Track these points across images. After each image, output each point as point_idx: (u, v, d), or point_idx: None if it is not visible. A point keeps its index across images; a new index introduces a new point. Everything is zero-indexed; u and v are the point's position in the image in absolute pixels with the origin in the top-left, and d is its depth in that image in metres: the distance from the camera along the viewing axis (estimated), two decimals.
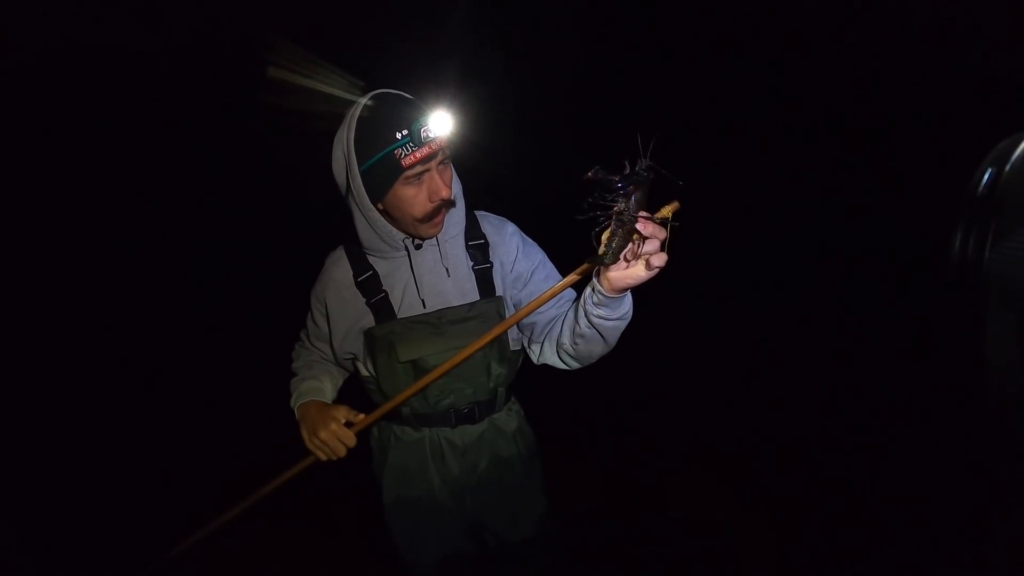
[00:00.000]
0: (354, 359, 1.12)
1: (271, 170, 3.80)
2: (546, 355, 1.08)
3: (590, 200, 0.74)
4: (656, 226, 0.74)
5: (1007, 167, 0.67)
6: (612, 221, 0.75)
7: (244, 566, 2.04)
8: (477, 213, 1.11)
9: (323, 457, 1.02)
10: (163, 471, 2.49)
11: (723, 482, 2.42)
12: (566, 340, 0.99)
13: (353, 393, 1.19)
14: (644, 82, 3.74)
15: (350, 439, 1.00)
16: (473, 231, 1.09)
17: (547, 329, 1.06)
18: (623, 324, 0.93)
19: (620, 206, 0.73)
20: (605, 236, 0.78)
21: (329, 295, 1.09)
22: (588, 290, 0.89)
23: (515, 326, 1.07)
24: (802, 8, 2.81)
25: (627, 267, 0.79)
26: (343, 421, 1.01)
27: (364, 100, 0.93)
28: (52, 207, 3.35)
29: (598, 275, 0.85)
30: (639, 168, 0.71)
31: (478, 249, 1.08)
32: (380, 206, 0.98)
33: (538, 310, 0.99)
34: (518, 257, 1.08)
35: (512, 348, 1.11)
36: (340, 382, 1.22)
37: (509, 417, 1.18)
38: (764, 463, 2.50)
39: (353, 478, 1.29)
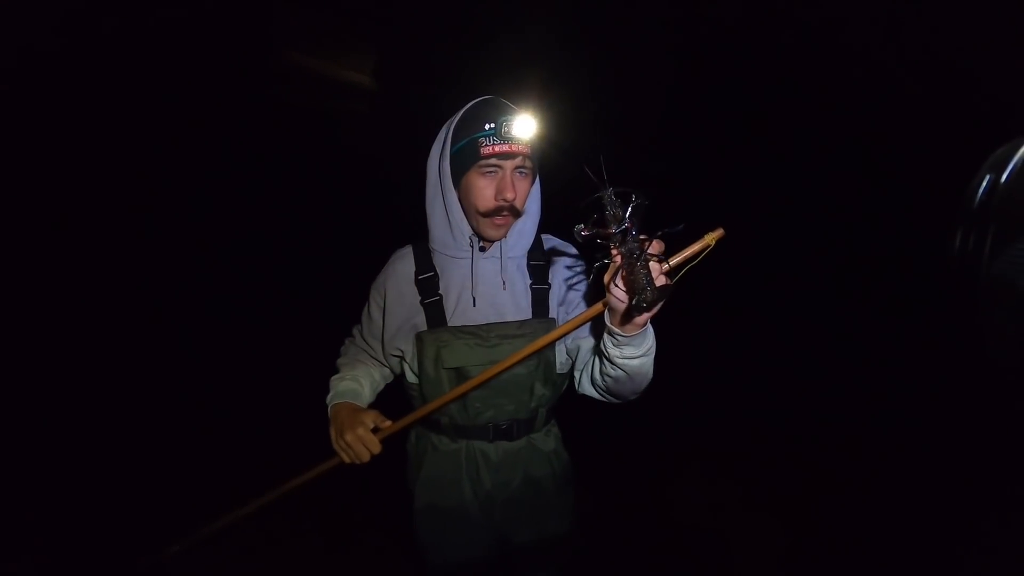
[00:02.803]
0: (401, 358, 1.12)
1: (353, 175, 3.89)
2: (584, 386, 1.08)
3: (596, 261, 0.76)
4: (659, 242, 0.74)
5: (1005, 173, 0.68)
6: (623, 266, 0.73)
7: (259, 563, 2.04)
8: (543, 236, 1.13)
9: (347, 460, 1.02)
10: (187, 466, 2.51)
11: (722, 486, 2.43)
12: (597, 376, 0.99)
13: (390, 401, 1.19)
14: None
15: (375, 445, 1.00)
16: (537, 252, 1.10)
17: (588, 360, 1.04)
18: (648, 360, 0.90)
19: (623, 248, 0.72)
20: (622, 279, 0.75)
21: (390, 286, 1.11)
22: (605, 335, 0.88)
23: (565, 351, 1.10)
24: (805, 13, 2.82)
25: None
26: (371, 426, 1.01)
27: (480, 98, 1.01)
28: (58, 207, 3.37)
29: (611, 318, 0.83)
30: (614, 204, 0.71)
31: (539, 270, 1.09)
32: (457, 192, 1.03)
33: (583, 337, 1.04)
34: (573, 281, 1.10)
35: (558, 371, 1.11)
36: (381, 387, 1.22)
37: (547, 438, 1.18)
38: (763, 466, 2.51)
39: (379, 483, 1.30)
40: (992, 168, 0.70)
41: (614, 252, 0.73)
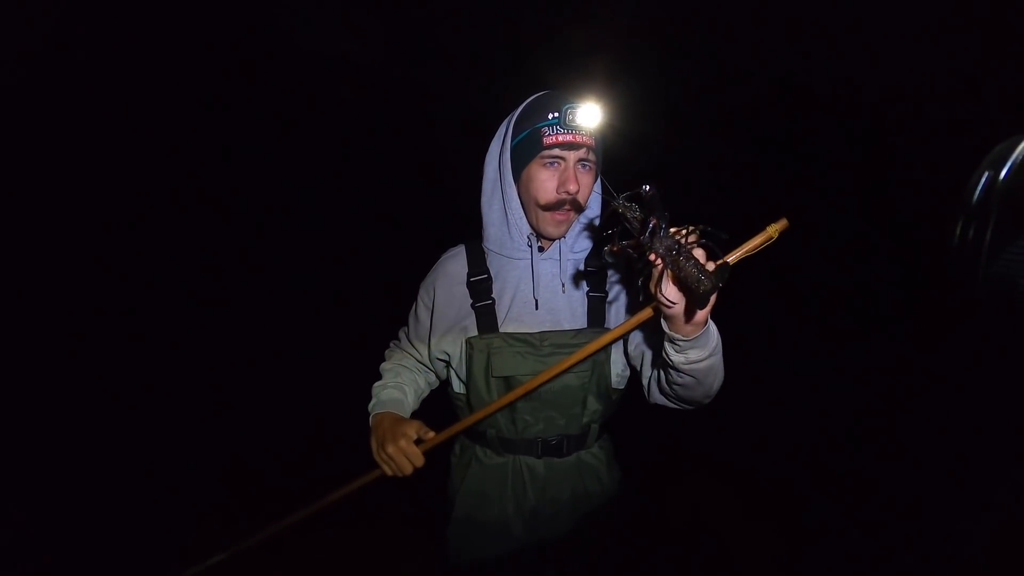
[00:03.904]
0: (447, 364, 1.09)
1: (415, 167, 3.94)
2: (655, 396, 1.01)
3: (637, 268, 0.71)
4: (694, 228, 0.70)
5: (1003, 170, 0.68)
6: (667, 266, 0.68)
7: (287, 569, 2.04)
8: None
9: (388, 472, 0.99)
10: (225, 474, 2.58)
11: (723, 490, 2.43)
12: (665, 386, 0.94)
13: (433, 411, 1.16)
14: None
15: (417, 458, 0.96)
16: (596, 258, 1.05)
17: (655, 369, 0.98)
18: (716, 360, 0.84)
19: (659, 248, 0.67)
20: (668, 283, 0.71)
21: (439, 287, 1.07)
22: (665, 343, 0.82)
23: (625, 363, 1.06)
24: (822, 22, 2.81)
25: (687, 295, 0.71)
26: (413, 438, 0.97)
27: (543, 92, 0.98)
28: (71, 206, 3.38)
29: (668, 324, 0.78)
30: (630, 210, 0.68)
31: (597, 277, 1.04)
32: (517, 187, 0.99)
33: (646, 345, 1.00)
34: (632, 289, 1.04)
35: (614, 386, 1.06)
36: (426, 394, 1.20)
37: (599, 454, 1.13)
38: (766, 468, 2.50)
39: (416, 491, 1.26)
40: (991, 165, 0.70)
41: (652, 257, 0.69)
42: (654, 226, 0.66)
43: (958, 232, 0.70)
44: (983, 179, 0.69)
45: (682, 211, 0.71)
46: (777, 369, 3.09)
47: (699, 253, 0.68)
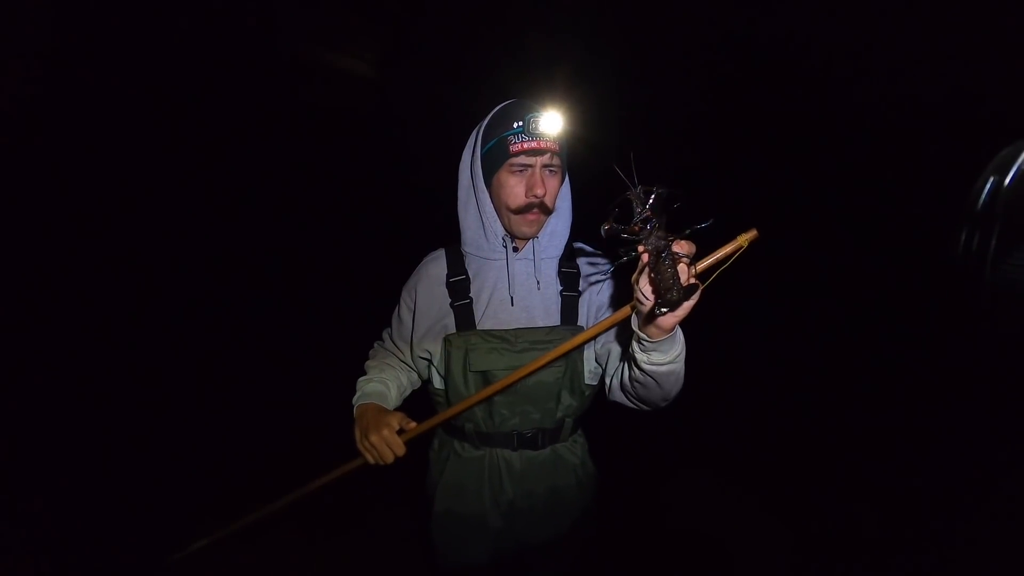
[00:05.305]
0: (428, 362, 1.13)
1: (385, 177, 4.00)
2: (615, 392, 1.06)
3: (621, 252, 0.73)
4: (688, 242, 0.72)
5: (1009, 175, 0.67)
6: (649, 265, 0.71)
7: (274, 562, 2.04)
8: (576, 244, 1.13)
9: (371, 460, 1.02)
10: (214, 465, 2.57)
11: (725, 486, 2.42)
12: (627, 383, 0.98)
13: (414, 407, 1.18)
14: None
15: (399, 447, 1.00)
16: (569, 260, 1.11)
17: (618, 366, 1.03)
18: (677, 367, 0.88)
19: (648, 245, 0.70)
20: (646, 281, 0.73)
21: (421, 288, 1.12)
22: (632, 339, 0.86)
23: (595, 360, 1.10)
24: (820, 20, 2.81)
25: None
26: (396, 428, 1.01)
27: (510, 100, 1.04)
28: (70, 210, 3.42)
29: (639, 321, 0.81)
30: (640, 200, 0.69)
31: (570, 277, 1.09)
32: (489, 192, 1.04)
33: (613, 342, 1.04)
34: (603, 289, 1.09)
35: (587, 381, 1.10)
36: (407, 392, 1.23)
37: (574, 448, 1.17)
38: (767, 466, 2.49)
39: (401, 486, 1.26)
40: (996, 170, 0.69)
41: (641, 250, 0.72)
42: (647, 217, 0.69)
43: (963, 238, 0.69)
44: (988, 184, 0.68)
45: (670, 214, 0.71)
46: (780, 373, 3.08)
47: (682, 268, 0.71)
